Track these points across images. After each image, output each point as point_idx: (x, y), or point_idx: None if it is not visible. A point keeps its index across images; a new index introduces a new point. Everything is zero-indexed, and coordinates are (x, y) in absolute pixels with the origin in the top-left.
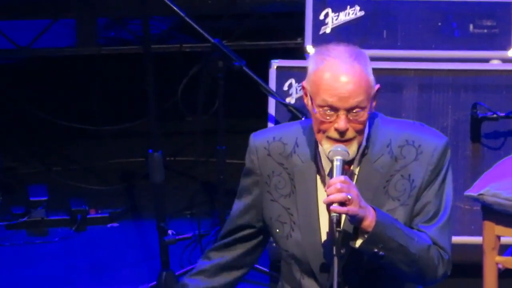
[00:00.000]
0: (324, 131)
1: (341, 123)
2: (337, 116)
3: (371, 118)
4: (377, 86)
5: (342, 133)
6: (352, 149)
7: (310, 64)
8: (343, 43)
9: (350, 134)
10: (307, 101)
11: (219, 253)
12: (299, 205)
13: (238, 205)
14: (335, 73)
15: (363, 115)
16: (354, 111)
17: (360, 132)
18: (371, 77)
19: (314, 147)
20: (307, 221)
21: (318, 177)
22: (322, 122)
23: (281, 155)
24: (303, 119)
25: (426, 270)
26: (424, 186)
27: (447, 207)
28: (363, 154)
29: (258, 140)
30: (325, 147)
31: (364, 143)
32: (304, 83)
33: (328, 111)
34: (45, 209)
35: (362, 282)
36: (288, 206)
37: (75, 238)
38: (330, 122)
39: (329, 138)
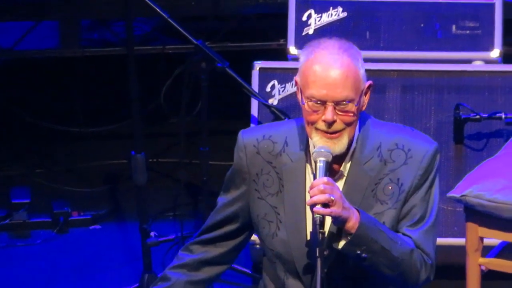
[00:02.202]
0: (313, 123)
1: (328, 115)
2: (325, 107)
3: (362, 120)
4: (369, 82)
5: (329, 124)
6: (342, 143)
7: (301, 57)
8: (335, 37)
9: (338, 126)
10: (299, 95)
11: (203, 248)
12: (286, 204)
13: (224, 198)
14: (323, 64)
15: (352, 108)
16: (343, 103)
17: (349, 124)
18: (361, 71)
19: (305, 146)
20: (293, 220)
21: (307, 176)
22: (311, 114)
23: (270, 154)
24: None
25: (409, 274)
26: (412, 191)
27: (433, 212)
28: (353, 155)
29: (247, 138)
30: (315, 140)
31: (354, 144)
32: (296, 77)
33: (316, 102)
34: (27, 212)
35: (346, 284)
36: (275, 204)
37: (57, 240)
38: (318, 113)
39: (318, 130)
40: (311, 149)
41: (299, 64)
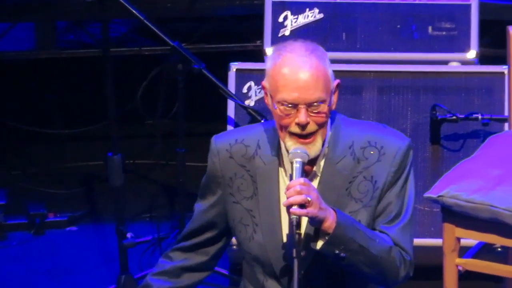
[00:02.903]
0: (286, 127)
1: (301, 117)
2: (297, 110)
3: (333, 119)
4: (337, 81)
5: (303, 127)
6: (316, 146)
7: (267, 62)
8: (300, 39)
9: (311, 128)
10: (268, 100)
11: (183, 255)
12: (261, 207)
13: (201, 205)
14: (292, 67)
15: (324, 108)
16: (314, 104)
17: (322, 126)
18: (330, 71)
19: (277, 148)
20: (269, 223)
21: (281, 178)
22: (283, 118)
23: (243, 157)
24: (262, 121)
25: (388, 272)
26: (387, 188)
27: (408, 208)
28: (325, 155)
29: (219, 143)
30: (288, 144)
31: (326, 144)
32: (263, 82)
33: (288, 106)
34: (3, 213)
35: (325, 284)
36: (250, 208)
37: (33, 242)
38: (291, 117)
39: (292, 134)
40: (283, 151)
41: (266, 68)
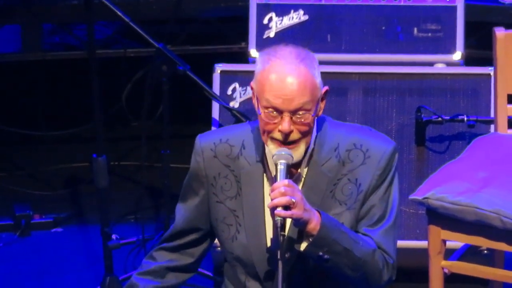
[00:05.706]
0: (269, 132)
1: (285, 125)
2: (281, 117)
3: (320, 121)
4: (325, 88)
5: (286, 135)
6: (299, 152)
7: (257, 64)
8: (291, 44)
9: (294, 136)
10: (254, 101)
11: (168, 256)
12: (245, 207)
13: (184, 207)
14: (280, 74)
15: (308, 118)
16: (299, 113)
17: (305, 134)
18: (318, 79)
19: (261, 149)
20: (253, 223)
21: (265, 179)
22: (267, 123)
23: (228, 157)
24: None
25: (371, 275)
26: (371, 191)
27: (392, 212)
28: (311, 157)
29: (204, 142)
30: (270, 148)
31: (312, 146)
32: (252, 82)
33: (273, 112)
34: None
35: (307, 286)
36: (234, 208)
37: (19, 243)
38: (275, 123)
39: (274, 139)
40: (267, 152)
41: (255, 70)
